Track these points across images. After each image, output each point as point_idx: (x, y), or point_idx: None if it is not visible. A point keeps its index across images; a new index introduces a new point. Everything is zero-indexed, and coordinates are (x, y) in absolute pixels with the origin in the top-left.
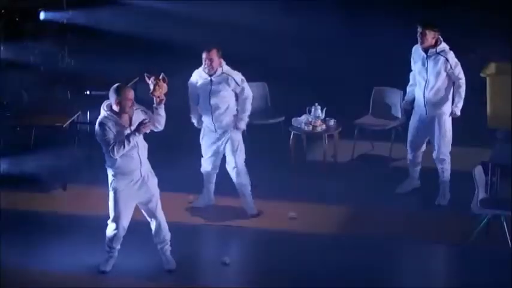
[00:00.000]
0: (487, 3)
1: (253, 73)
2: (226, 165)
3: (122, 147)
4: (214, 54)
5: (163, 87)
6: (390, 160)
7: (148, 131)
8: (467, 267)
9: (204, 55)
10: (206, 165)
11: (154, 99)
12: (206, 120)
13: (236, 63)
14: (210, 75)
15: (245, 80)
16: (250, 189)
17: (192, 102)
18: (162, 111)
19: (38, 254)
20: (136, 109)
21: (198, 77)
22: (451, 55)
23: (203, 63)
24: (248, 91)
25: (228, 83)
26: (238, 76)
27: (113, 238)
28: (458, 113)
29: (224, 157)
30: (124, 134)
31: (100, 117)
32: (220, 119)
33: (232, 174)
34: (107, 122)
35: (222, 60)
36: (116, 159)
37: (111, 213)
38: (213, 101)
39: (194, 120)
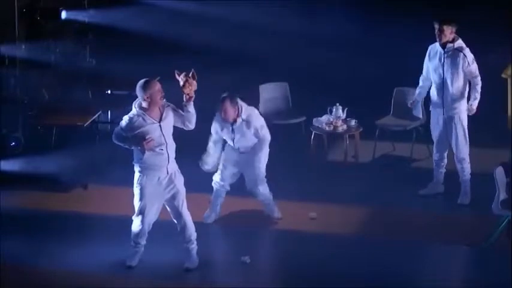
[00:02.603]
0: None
1: (274, 73)
2: (248, 177)
3: (121, 142)
4: (227, 104)
5: (193, 84)
6: (411, 161)
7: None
8: (487, 268)
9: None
10: (221, 180)
11: (184, 96)
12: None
13: (258, 64)
14: (231, 124)
15: (265, 126)
16: (272, 198)
17: (212, 143)
18: (191, 108)
19: (59, 254)
20: (167, 106)
21: (220, 123)
22: (467, 51)
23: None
24: (267, 136)
25: (249, 129)
26: (258, 122)
27: (138, 234)
28: (475, 109)
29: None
30: (154, 129)
31: (130, 112)
32: (245, 150)
33: (254, 184)
34: (135, 118)
35: (241, 105)
36: (144, 154)
37: (136, 209)
38: (237, 145)
39: (206, 165)
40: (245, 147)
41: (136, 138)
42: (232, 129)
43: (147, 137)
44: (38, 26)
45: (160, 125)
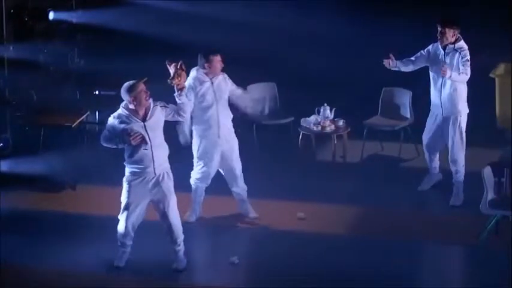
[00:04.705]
0: (497, 2)
1: (262, 73)
2: (224, 173)
3: (109, 142)
4: (218, 59)
5: (183, 75)
6: (399, 160)
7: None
8: (476, 267)
9: (214, 58)
10: (201, 176)
11: (175, 87)
12: (209, 127)
13: (245, 64)
14: (211, 80)
15: None
16: (246, 193)
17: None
18: (184, 99)
19: (47, 254)
20: (154, 106)
21: (197, 79)
22: (466, 52)
23: (206, 67)
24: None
25: (226, 83)
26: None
27: (123, 234)
28: (447, 72)
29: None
30: (137, 128)
31: (116, 112)
32: (225, 123)
33: (233, 181)
34: (120, 117)
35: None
36: (130, 154)
37: (122, 208)
38: (220, 103)
39: (184, 134)
40: (223, 111)
41: (122, 136)
42: (212, 83)
43: (132, 133)
44: (25, 26)
45: (144, 125)
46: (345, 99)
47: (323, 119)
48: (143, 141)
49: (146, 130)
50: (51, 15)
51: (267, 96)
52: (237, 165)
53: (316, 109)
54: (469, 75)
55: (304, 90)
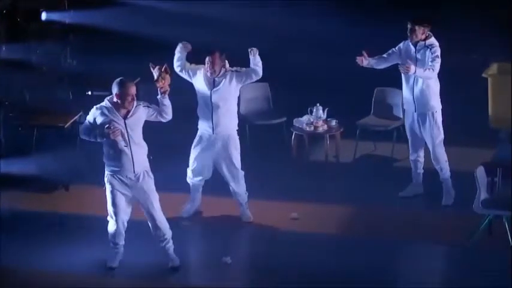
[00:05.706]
0: (487, 3)
1: None
2: (224, 173)
3: (88, 135)
4: (216, 57)
5: (167, 78)
6: (392, 160)
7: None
8: (469, 267)
9: (206, 58)
10: (195, 174)
11: (158, 89)
12: (204, 123)
13: (237, 64)
14: (214, 77)
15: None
16: (246, 200)
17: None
18: (166, 101)
19: (41, 255)
20: (137, 105)
21: (202, 75)
22: (436, 49)
23: (206, 65)
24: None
25: (230, 79)
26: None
27: (114, 234)
28: (411, 69)
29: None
30: (118, 125)
31: (99, 104)
32: (220, 121)
33: (231, 180)
34: (102, 109)
35: (226, 62)
36: (109, 151)
37: (109, 209)
38: (214, 99)
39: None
40: (220, 106)
41: (101, 129)
42: (214, 80)
43: (112, 127)
44: (18, 27)
45: (125, 122)
46: (337, 99)
47: (316, 119)
48: (122, 136)
49: (126, 127)
50: (44, 16)
51: (259, 97)
52: (230, 168)
53: (309, 109)
54: (436, 71)
55: (297, 90)
